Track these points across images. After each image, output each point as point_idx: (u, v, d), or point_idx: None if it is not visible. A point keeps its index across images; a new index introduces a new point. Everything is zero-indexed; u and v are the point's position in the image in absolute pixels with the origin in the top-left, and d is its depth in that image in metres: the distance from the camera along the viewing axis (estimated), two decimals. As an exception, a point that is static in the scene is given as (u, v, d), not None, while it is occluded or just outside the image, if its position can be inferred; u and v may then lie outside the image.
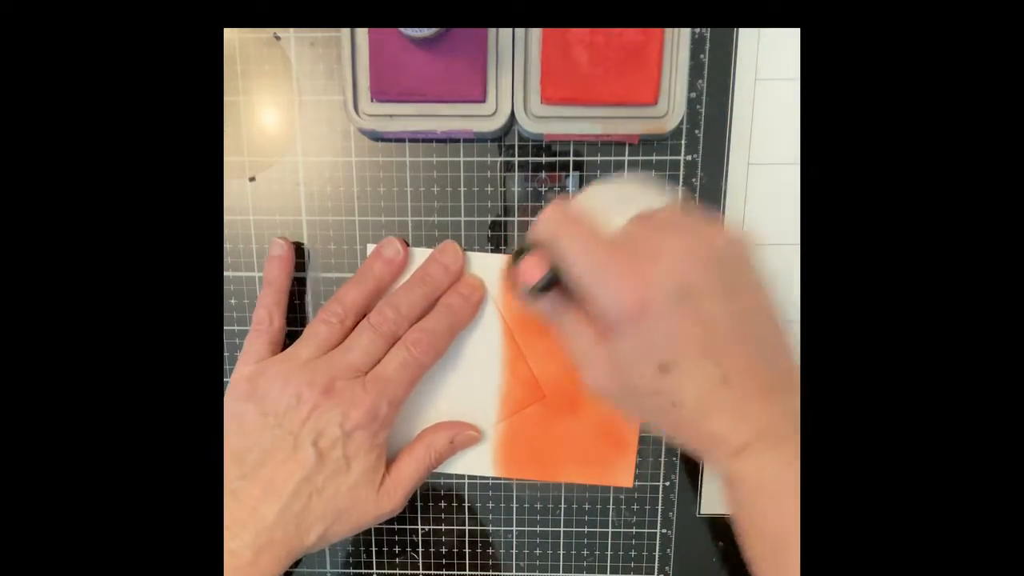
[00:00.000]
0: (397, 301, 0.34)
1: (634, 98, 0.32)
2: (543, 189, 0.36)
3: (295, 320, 0.37)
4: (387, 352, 0.34)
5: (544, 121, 0.33)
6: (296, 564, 0.40)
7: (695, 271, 0.26)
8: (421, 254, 0.36)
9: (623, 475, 0.39)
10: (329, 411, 0.32)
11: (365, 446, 0.33)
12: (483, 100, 0.33)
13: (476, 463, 0.39)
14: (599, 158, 0.35)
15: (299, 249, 0.37)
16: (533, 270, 0.27)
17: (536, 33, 0.32)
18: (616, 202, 0.29)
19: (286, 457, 0.32)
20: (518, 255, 0.28)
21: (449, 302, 0.35)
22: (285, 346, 0.35)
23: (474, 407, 0.38)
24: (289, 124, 0.36)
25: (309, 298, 0.37)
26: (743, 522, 0.28)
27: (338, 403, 0.32)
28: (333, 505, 0.33)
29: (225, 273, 0.37)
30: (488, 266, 0.36)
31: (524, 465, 0.39)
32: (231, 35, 0.35)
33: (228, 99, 0.35)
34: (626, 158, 0.35)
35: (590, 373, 0.29)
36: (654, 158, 0.35)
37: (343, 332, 0.34)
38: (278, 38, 0.35)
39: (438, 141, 0.35)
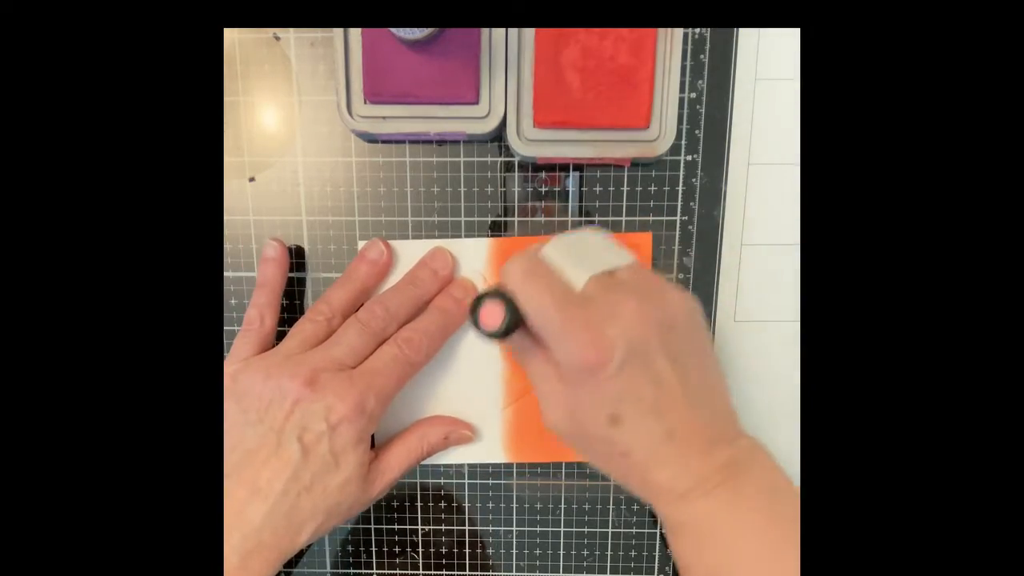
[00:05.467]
0: (386, 300, 0.34)
1: (626, 122, 0.33)
2: (543, 189, 0.36)
3: (293, 321, 0.37)
4: (373, 350, 0.34)
5: (537, 144, 0.33)
6: (295, 563, 0.40)
7: (649, 333, 0.28)
8: (403, 247, 0.36)
9: None
10: (313, 404, 0.32)
11: (352, 441, 0.32)
12: (476, 102, 0.33)
13: (486, 451, 0.39)
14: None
15: (298, 250, 0.37)
16: (493, 315, 0.28)
17: (528, 56, 0.32)
18: (579, 257, 0.30)
19: (270, 454, 0.32)
20: (479, 300, 0.29)
21: (442, 305, 0.35)
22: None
23: (479, 395, 0.38)
24: (289, 124, 0.36)
25: (309, 298, 0.37)
26: (682, 564, 0.30)
27: (322, 396, 0.32)
28: (323, 502, 0.32)
29: (225, 273, 0.37)
30: (481, 252, 0.37)
31: (534, 448, 0.39)
32: (231, 35, 0.35)
33: (228, 99, 0.35)
34: (626, 158, 0.35)
35: (549, 411, 0.30)
36: (654, 159, 0.35)
37: (329, 330, 0.34)
38: (278, 38, 0.35)
39: (431, 143, 0.35)
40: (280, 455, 0.32)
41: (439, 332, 0.35)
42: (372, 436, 0.38)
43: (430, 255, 0.36)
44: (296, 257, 0.37)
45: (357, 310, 0.35)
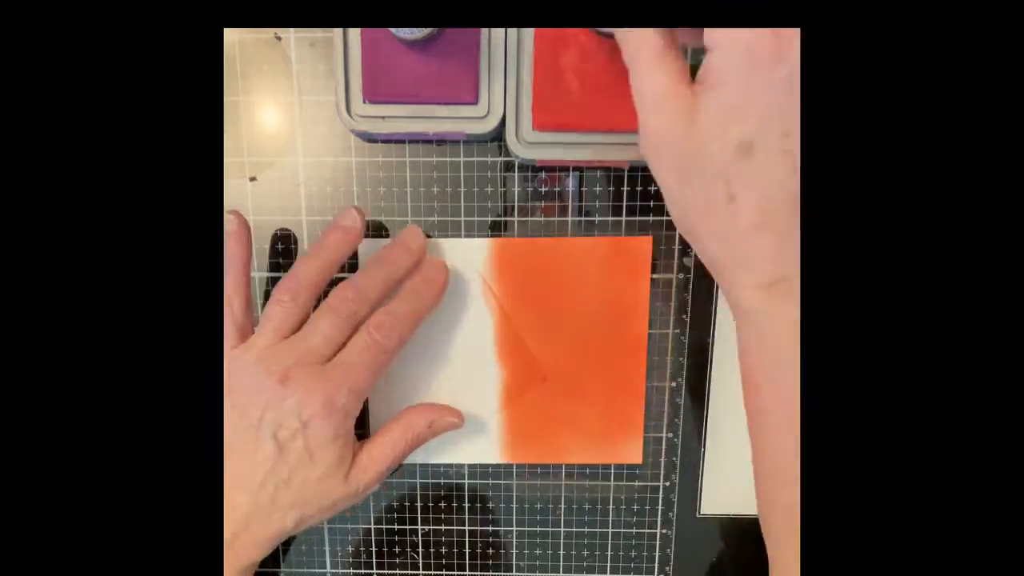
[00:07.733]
0: (357, 282, 0.33)
1: (625, 125, 0.33)
2: (543, 189, 0.36)
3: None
4: (349, 335, 0.33)
5: (535, 147, 0.33)
6: (296, 563, 0.40)
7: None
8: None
9: (631, 452, 0.39)
10: (285, 400, 0.32)
11: (328, 436, 0.32)
12: (475, 102, 0.33)
13: (482, 451, 0.39)
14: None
15: (298, 249, 0.37)
16: None
17: (527, 58, 0.32)
18: None
19: (249, 449, 0.32)
20: None
21: (413, 286, 0.34)
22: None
23: (475, 396, 0.38)
24: (289, 124, 0.36)
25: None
26: (750, 358, 0.27)
27: (294, 392, 0.32)
28: (301, 495, 0.33)
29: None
30: (481, 252, 0.37)
31: (530, 449, 0.39)
32: (231, 35, 0.35)
33: (228, 99, 0.35)
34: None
35: (655, 126, 0.26)
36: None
37: (296, 310, 0.33)
38: (278, 38, 0.35)
39: (431, 143, 0.35)
40: (258, 450, 0.32)
41: (410, 314, 0.34)
42: (366, 427, 0.38)
43: (402, 233, 0.35)
44: (296, 257, 0.37)
45: (327, 287, 0.34)
